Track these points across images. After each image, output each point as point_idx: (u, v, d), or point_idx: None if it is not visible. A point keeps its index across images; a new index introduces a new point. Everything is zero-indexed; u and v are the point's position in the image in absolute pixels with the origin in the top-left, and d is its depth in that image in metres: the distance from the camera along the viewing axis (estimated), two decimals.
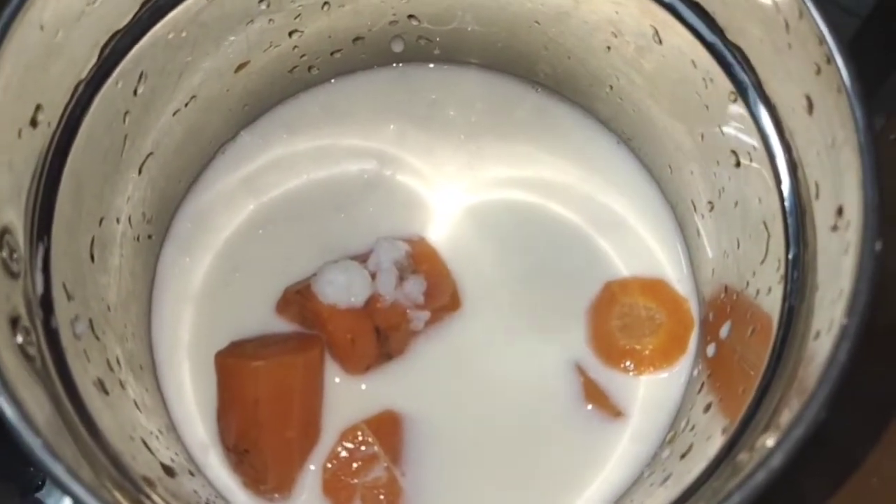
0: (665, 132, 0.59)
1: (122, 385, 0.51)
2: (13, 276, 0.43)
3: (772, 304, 0.48)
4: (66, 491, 0.36)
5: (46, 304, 0.45)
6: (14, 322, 0.41)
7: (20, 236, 0.44)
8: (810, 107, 0.45)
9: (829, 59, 0.42)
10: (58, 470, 0.36)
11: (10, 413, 0.36)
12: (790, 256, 0.47)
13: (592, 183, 0.63)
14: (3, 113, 0.42)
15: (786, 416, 0.40)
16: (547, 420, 0.58)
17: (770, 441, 0.37)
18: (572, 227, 0.62)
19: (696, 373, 0.58)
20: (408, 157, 0.64)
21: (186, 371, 0.59)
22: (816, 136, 0.45)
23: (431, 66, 0.66)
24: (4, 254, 0.42)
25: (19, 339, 0.41)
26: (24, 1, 0.42)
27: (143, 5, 0.50)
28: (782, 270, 0.47)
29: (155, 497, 0.44)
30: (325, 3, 0.58)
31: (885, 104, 0.66)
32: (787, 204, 0.48)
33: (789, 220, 0.47)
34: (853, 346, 0.37)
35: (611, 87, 0.61)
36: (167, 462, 0.50)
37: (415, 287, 0.58)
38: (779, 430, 0.38)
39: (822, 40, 0.42)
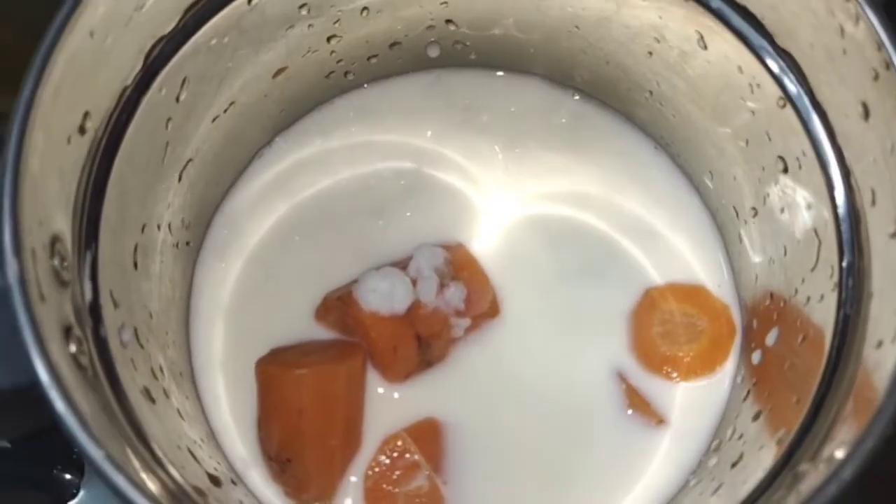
0: (706, 137, 0.58)
1: (166, 394, 0.50)
2: (64, 284, 0.42)
3: (825, 312, 0.47)
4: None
5: (95, 312, 0.45)
6: (67, 332, 0.41)
7: (69, 244, 0.44)
8: (866, 113, 0.44)
9: (889, 65, 0.42)
10: (121, 482, 0.35)
11: (74, 426, 0.35)
12: (844, 264, 0.46)
13: (630, 188, 0.63)
14: (53, 120, 0.42)
15: (849, 428, 0.39)
16: (588, 427, 0.58)
17: (840, 453, 0.37)
18: (611, 234, 0.62)
19: (739, 380, 0.57)
20: (444, 163, 0.63)
21: (223, 379, 0.58)
22: (873, 143, 0.44)
23: (467, 71, 0.66)
24: (55, 262, 0.42)
25: (73, 348, 0.40)
26: (75, 7, 0.42)
27: (186, 11, 0.50)
28: (836, 278, 0.47)
29: None
30: (365, 8, 0.58)
31: None
32: (840, 211, 0.47)
33: (843, 227, 0.47)
34: None
35: (650, 93, 0.60)
36: (212, 471, 0.50)
37: (455, 294, 0.57)
38: (845, 442, 0.37)
39: (880, 45, 0.42)
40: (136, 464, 0.40)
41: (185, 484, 0.43)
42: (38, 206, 0.40)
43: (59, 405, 0.35)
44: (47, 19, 0.41)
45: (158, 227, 0.54)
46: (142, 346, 0.50)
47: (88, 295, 0.44)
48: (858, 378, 0.42)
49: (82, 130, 0.45)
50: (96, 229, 0.46)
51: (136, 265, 0.51)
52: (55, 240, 0.42)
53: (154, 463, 0.42)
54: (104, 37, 0.44)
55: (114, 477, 0.35)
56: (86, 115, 0.45)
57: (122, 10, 0.45)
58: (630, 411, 0.58)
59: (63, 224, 0.43)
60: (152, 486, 0.38)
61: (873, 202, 0.45)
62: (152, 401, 0.47)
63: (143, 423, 0.44)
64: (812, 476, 0.39)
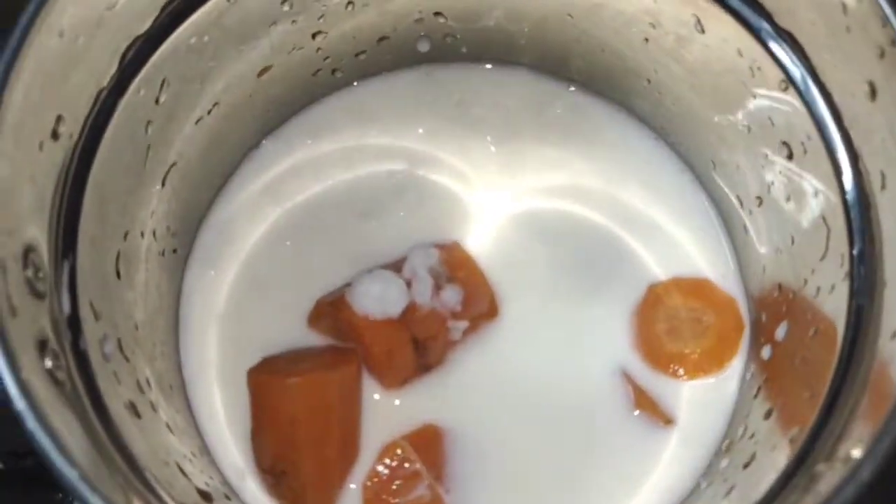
0: (708, 125, 0.57)
1: (153, 407, 0.49)
2: (39, 296, 0.40)
3: (836, 303, 0.45)
4: None
5: (74, 324, 0.43)
6: (42, 345, 0.39)
7: (45, 254, 0.42)
8: (873, 92, 0.42)
9: (895, 41, 0.40)
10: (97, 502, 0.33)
11: (46, 444, 0.34)
12: (855, 252, 0.44)
13: (630, 181, 0.61)
14: (23, 125, 0.40)
15: (865, 425, 0.37)
16: (594, 429, 0.56)
17: (857, 452, 0.35)
18: (611, 229, 0.60)
19: (749, 376, 0.55)
20: (437, 161, 0.61)
21: (217, 389, 0.56)
22: (881, 123, 0.42)
23: (459, 65, 0.64)
24: (29, 273, 0.40)
25: (48, 363, 0.39)
26: (41, 7, 0.40)
27: (163, 9, 0.48)
28: (846, 267, 0.45)
29: None
30: (350, 2, 0.56)
31: None
32: (848, 196, 0.45)
33: (852, 214, 0.45)
34: None
35: (648, 81, 0.58)
36: (203, 487, 0.48)
37: (452, 295, 0.55)
38: (862, 440, 0.35)
39: (885, 22, 0.40)
40: (118, 483, 0.38)
41: (172, 503, 0.41)
42: (8, 215, 0.39)
43: (30, 422, 0.33)
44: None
45: (142, 234, 0.52)
46: (126, 359, 0.48)
47: (66, 307, 0.43)
48: (874, 371, 0.40)
49: (55, 135, 0.43)
50: (74, 238, 0.45)
51: (118, 274, 0.49)
52: (29, 250, 0.40)
53: (138, 482, 0.41)
54: (74, 37, 0.42)
55: (90, 498, 0.33)
56: (59, 119, 0.43)
57: (92, 10, 0.43)
58: (637, 412, 0.56)
59: (37, 233, 0.42)
60: None
61: (883, 186, 0.43)
62: (138, 415, 0.46)
63: (127, 440, 0.42)
64: (829, 477, 0.37)
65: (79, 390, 0.41)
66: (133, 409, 0.45)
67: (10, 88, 0.39)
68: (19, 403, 0.34)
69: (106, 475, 0.37)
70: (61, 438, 0.34)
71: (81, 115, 0.45)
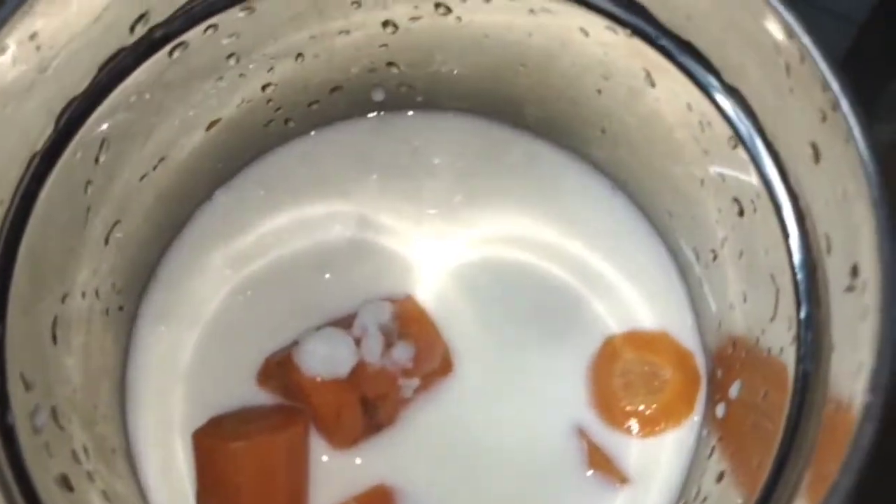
0: (663, 176, 0.56)
1: (90, 477, 0.47)
2: None
3: (785, 365, 0.44)
4: None
5: (1, 398, 0.42)
6: None
7: None
8: (816, 155, 0.41)
9: (836, 107, 0.39)
10: None
11: None
12: (801, 316, 0.43)
13: (587, 231, 0.60)
14: None
15: (812, 497, 0.36)
16: (548, 488, 0.55)
17: None
18: (568, 280, 0.59)
19: (705, 434, 0.54)
20: (390, 212, 0.60)
21: (164, 452, 0.55)
22: (825, 187, 0.41)
23: (414, 113, 0.63)
24: None
25: None
26: None
27: (100, 69, 0.47)
28: (794, 331, 0.44)
29: None
30: (299, 54, 0.55)
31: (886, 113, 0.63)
32: (795, 258, 0.44)
33: (799, 276, 0.44)
34: (877, 426, 0.34)
35: (603, 131, 0.58)
36: None
37: (403, 352, 0.54)
38: None
39: (825, 86, 0.39)
40: None
41: None
42: None
43: None
44: None
45: (83, 294, 0.51)
46: (61, 428, 0.46)
47: None
48: (819, 445, 0.39)
49: None
50: (3, 306, 0.44)
51: (55, 339, 0.48)
52: None
53: None
54: (3, 104, 0.42)
55: None
56: None
57: (23, 74, 0.42)
58: (591, 471, 0.54)
59: None
60: None
61: (829, 250, 0.42)
62: (70, 489, 0.44)
63: None
64: None
65: (3, 469, 0.40)
66: (65, 482, 0.44)
67: None
68: None
69: None
70: None
71: (12, 181, 0.44)
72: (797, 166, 0.44)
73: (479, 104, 0.62)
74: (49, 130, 0.46)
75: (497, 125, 0.62)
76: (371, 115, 0.63)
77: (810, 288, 0.43)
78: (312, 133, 0.63)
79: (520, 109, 0.61)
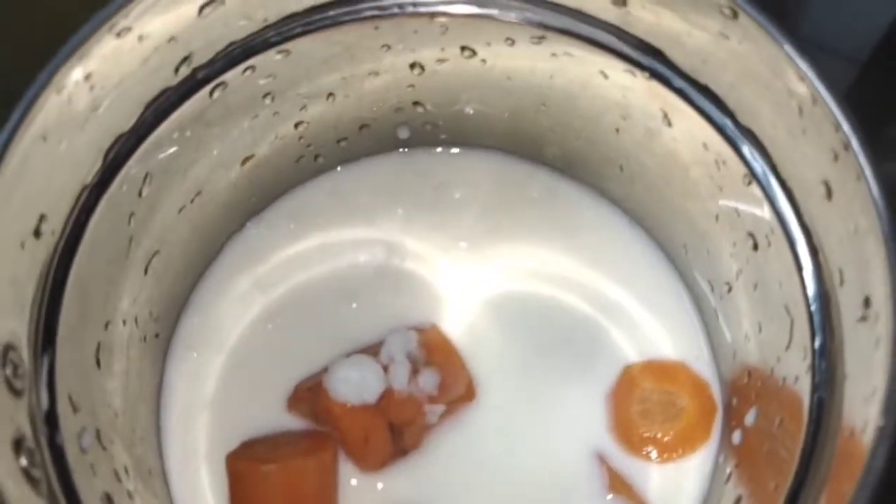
0: (679, 212, 0.58)
1: (130, 496, 0.49)
2: (17, 394, 0.41)
3: (800, 394, 0.46)
4: None
5: (52, 419, 0.44)
6: (18, 444, 0.40)
7: (24, 350, 0.43)
8: (829, 193, 0.44)
9: (847, 146, 0.41)
10: None
11: None
12: (816, 346, 0.45)
13: (606, 264, 0.62)
14: (5, 227, 0.41)
15: None
16: None
17: None
18: (587, 312, 0.61)
19: (721, 460, 0.56)
20: (416, 243, 0.63)
21: (197, 474, 0.57)
22: (837, 223, 0.43)
23: (438, 149, 0.65)
24: (8, 371, 0.41)
25: (23, 461, 0.39)
26: (25, 113, 0.41)
27: (146, 108, 0.49)
28: (809, 360, 0.46)
29: None
30: (330, 94, 0.58)
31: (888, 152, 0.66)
32: (809, 291, 0.46)
33: (813, 307, 0.46)
34: (890, 449, 0.36)
35: (621, 168, 0.60)
36: None
37: (429, 380, 0.56)
38: None
39: (837, 127, 0.41)
40: None
41: None
42: None
43: None
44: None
45: (124, 322, 0.53)
46: (104, 448, 0.48)
47: (45, 402, 0.43)
48: (833, 471, 0.40)
49: (37, 234, 0.44)
50: (54, 333, 0.46)
51: (98, 364, 0.50)
52: (8, 349, 0.41)
53: None
54: (58, 140, 0.44)
55: None
56: (41, 218, 0.44)
57: (76, 113, 0.45)
58: (610, 496, 0.56)
59: (17, 331, 0.43)
60: None
61: (841, 283, 0.44)
62: None
63: None
64: None
65: (53, 487, 0.41)
66: (108, 500, 0.46)
67: None
68: None
69: None
70: None
71: (64, 212, 0.46)
72: (810, 203, 0.46)
73: (501, 142, 0.64)
74: (98, 165, 0.48)
75: (518, 162, 0.65)
76: (397, 151, 0.65)
77: (824, 319, 0.45)
78: (339, 168, 0.65)
79: (540, 147, 0.63)
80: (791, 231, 0.47)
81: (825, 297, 0.45)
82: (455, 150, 0.65)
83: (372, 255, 0.62)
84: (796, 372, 0.47)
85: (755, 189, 0.49)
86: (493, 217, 0.63)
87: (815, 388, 0.45)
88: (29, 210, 0.43)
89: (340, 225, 0.63)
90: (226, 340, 0.60)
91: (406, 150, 0.65)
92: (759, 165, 0.49)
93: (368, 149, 0.65)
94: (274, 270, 0.62)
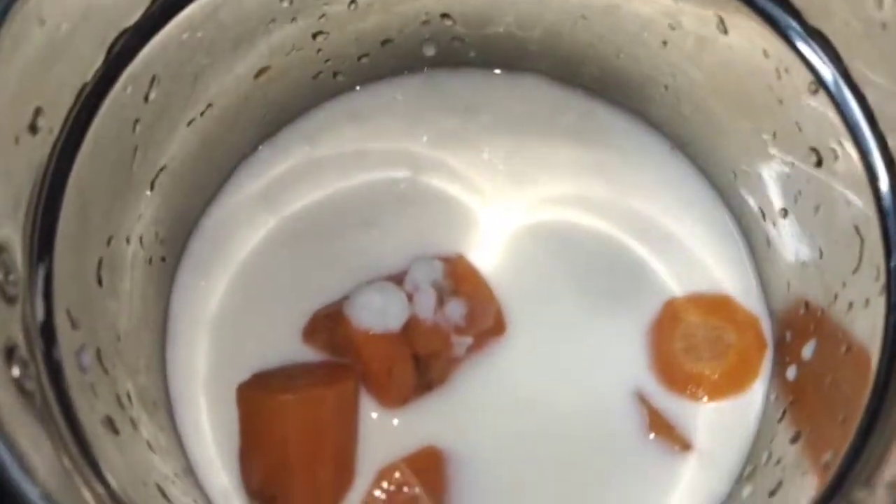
0: (729, 133, 0.54)
1: (133, 424, 0.45)
2: (9, 300, 0.37)
3: (871, 318, 0.42)
4: None
5: (48, 332, 0.40)
6: (10, 353, 0.36)
7: (17, 255, 0.39)
8: None
9: None
10: None
11: (6, 458, 0.30)
12: (892, 264, 0.41)
13: (645, 193, 0.58)
14: None
15: None
16: (605, 454, 0.53)
17: None
18: (626, 242, 0.57)
19: (773, 398, 0.52)
20: (442, 170, 0.59)
21: (205, 407, 0.53)
22: None
23: (465, 70, 0.61)
24: (0, 275, 0.37)
25: (16, 371, 0.36)
26: None
27: (154, 0, 0.45)
28: (882, 280, 0.42)
29: None
30: (353, 1, 0.54)
31: None
32: (885, 203, 0.42)
33: (889, 223, 0.42)
34: None
35: (666, 87, 0.56)
36: None
37: (456, 309, 0.52)
38: None
39: None
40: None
41: None
42: None
43: (5, 456, 0.30)
44: None
45: (128, 240, 0.49)
46: (105, 371, 0.45)
47: (40, 314, 0.40)
48: None
49: (34, 129, 0.40)
50: (51, 241, 0.41)
51: (100, 282, 0.46)
52: (0, 250, 0.37)
53: (112, 502, 0.37)
54: (57, 26, 0.40)
55: None
56: (37, 111, 0.40)
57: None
58: (652, 435, 0.52)
59: (10, 234, 0.39)
60: None
61: None
62: (115, 432, 0.42)
63: (102, 457, 0.39)
64: None
65: (49, 402, 0.38)
66: (110, 424, 0.42)
67: None
68: None
69: (74, 495, 0.34)
70: (24, 452, 0.31)
71: (63, 109, 0.42)
72: (887, 106, 0.42)
73: (533, 62, 0.60)
74: (100, 61, 0.44)
75: (552, 84, 0.60)
76: (421, 71, 0.61)
77: None
78: (359, 88, 0.61)
79: (577, 68, 0.59)
80: (864, 140, 0.43)
81: None
82: (485, 71, 0.61)
83: (393, 182, 0.58)
84: (866, 295, 0.43)
85: (822, 98, 0.45)
86: (525, 143, 0.59)
87: (890, 308, 0.41)
88: (24, 100, 0.39)
89: (360, 149, 0.59)
90: (237, 268, 0.57)
91: (432, 69, 0.61)
92: (828, 70, 0.45)
93: (391, 67, 0.60)
94: (289, 195, 0.58)
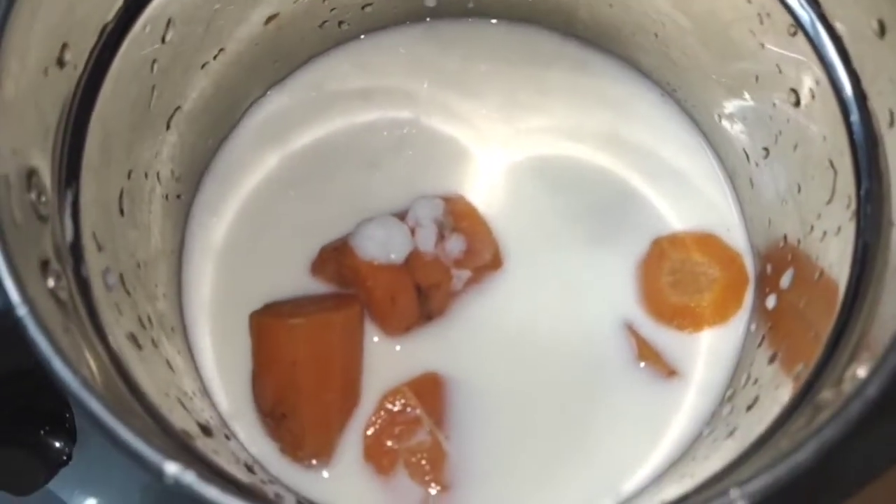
0: (715, 78, 0.56)
1: (154, 343, 0.48)
2: (42, 219, 0.40)
3: (842, 244, 0.45)
4: (112, 437, 0.33)
5: (76, 251, 0.43)
6: (45, 265, 0.39)
7: (48, 179, 0.42)
8: (882, 30, 0.42)
9: None
10: (97, 409, 0.33)
11: (47, 350, 0.33)
12: (862, 192, 0.44)
13: (636, 137, 0.60)
14: (28, 48, 0.40)
15: (872, 353, 0.37)
16: (597, 380, 0.55)
17: (862, 371, 0.35)
18: (617, 183, 0.59)
19: (753, 328, 0.55)
20: (441, 113, 0.61)
21: (218, 334, 0.56)
22: (889, 60, 0.42)
23: (464, 20, 0.63)
24: (33, 195, 0.40)
25: (51, 282, 0.39)
26: None
27: None
28: (853, 206, 0.45)
29: (197, 450, 0.41)
30: None
31: None
32: (856, 137, 0.45)
33: (860, 154, 0.45)
34: None
35: (656, 35, 0.58)
36: (203, 422, 0.48)
37: (455, 244, 0.55)
38: (869, 360, 0.35)
39: None
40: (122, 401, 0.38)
41: (173, 426, 0.41)
42: (11, 133, 0.38)
43: (32, 328, 0.33)
44: None
45: (146, 175, 0.52)
46: (128, 293, 0.48)
47: (69, 234, 0.43)
48: (881, 305, 0.39)
49: (61, 63, 0.43)
50: (77, 168, 0.44)
51: (122, 211, 0.49)
52: (31, 173, 0.40)
53: (139, 405, 0.40)
54: None
55: (89, 402, 0.33)
56: (64, 47, 0.43)
57: None
58: (641, 364, 0.55)
59: (40, 159, 0.41)
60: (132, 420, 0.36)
61: (891, 123, 0.43)
62: (139, 346, 0.45)
63: (128, 365, 0.42)
64: (834, 401, 0.36)
65: (80, 312, 0.41)
66: (134, 340, 0.45)
67: (15, 11, 0.39)
68: (21, 310, 0.33)
69: (108, 390, 0.37)
70: (62, 347, 0.34)
71: (87, 46, 0.45)
72: (860, 46, 0.44)
73: (529, 12, 0.62)
74: (119, 3, 0.46)
75: (548, 33, 0.63)
76: (423, 21, 0.63)
77: (871, 163, 0.44)
78: (363, 37, 0.63)
79: (571, 16, 0.62)
80: (838, 79, 0.46)
81: (872, 140, 0.44)
82: (482, 21, 0.63)
83: (396, 125, 0.61)
84: (839, 223, 0.46)
85: (801, 40, 0.48)
86: (521, 89, 0.62)
87: (859, 233, 0.44)
88: (52, 36, 0.42)
89: (364, 94, 0.62)
90: (247, 206, 0.59)
91: (431, 19, 0.63)
92: (805, 13, 0.47)
93: (394, 17, 0.63)
94: (296, 138, 0.61)
